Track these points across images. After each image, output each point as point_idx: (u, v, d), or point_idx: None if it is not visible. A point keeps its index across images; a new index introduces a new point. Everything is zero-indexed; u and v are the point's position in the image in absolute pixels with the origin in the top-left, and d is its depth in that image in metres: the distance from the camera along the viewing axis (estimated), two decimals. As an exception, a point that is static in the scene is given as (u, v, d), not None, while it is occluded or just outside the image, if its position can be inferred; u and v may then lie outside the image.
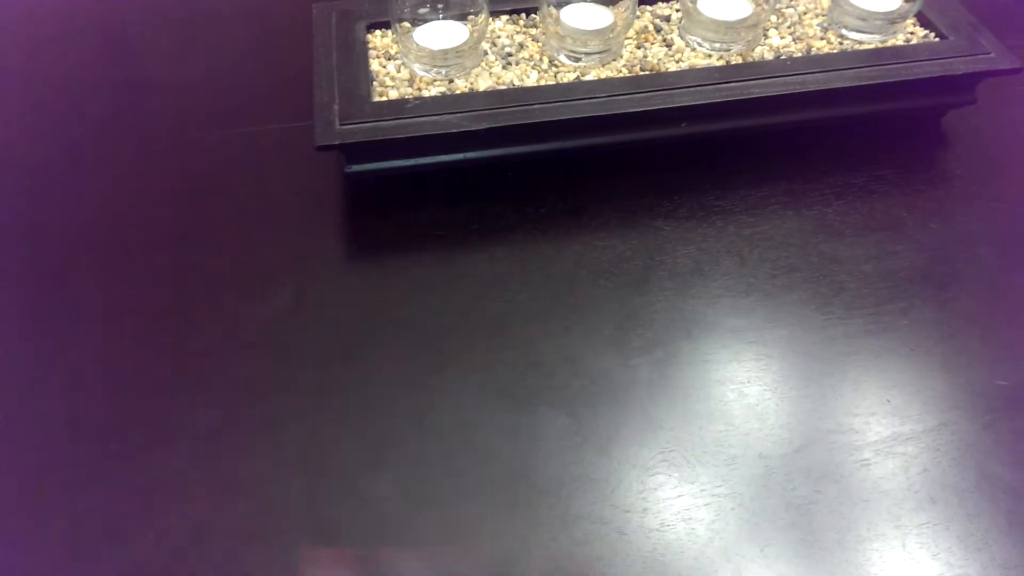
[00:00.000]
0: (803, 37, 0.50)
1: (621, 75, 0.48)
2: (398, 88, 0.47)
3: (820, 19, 0.52)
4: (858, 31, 0.50)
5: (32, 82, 0.56)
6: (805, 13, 0.52)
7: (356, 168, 0.46)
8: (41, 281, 0.44)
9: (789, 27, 0.51)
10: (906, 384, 0.39)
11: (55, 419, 0.38)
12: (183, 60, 0.58)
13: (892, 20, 0.49)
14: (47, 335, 0.41)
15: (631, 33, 0.51)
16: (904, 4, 0.49)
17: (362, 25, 0.51)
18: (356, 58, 0.48)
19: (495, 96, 0.46)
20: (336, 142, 0.44)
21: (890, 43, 0.50)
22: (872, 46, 0.49)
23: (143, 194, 0.49)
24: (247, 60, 0.58)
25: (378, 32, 0.51)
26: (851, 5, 0.49)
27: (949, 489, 0.35)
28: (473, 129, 0.44)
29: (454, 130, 0.44)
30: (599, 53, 0.49)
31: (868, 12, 0.49)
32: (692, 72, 0.47)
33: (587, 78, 0.48)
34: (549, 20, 0.49)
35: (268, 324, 0.42)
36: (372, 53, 0.50)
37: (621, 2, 0.48)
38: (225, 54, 0.58)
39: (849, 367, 0.40)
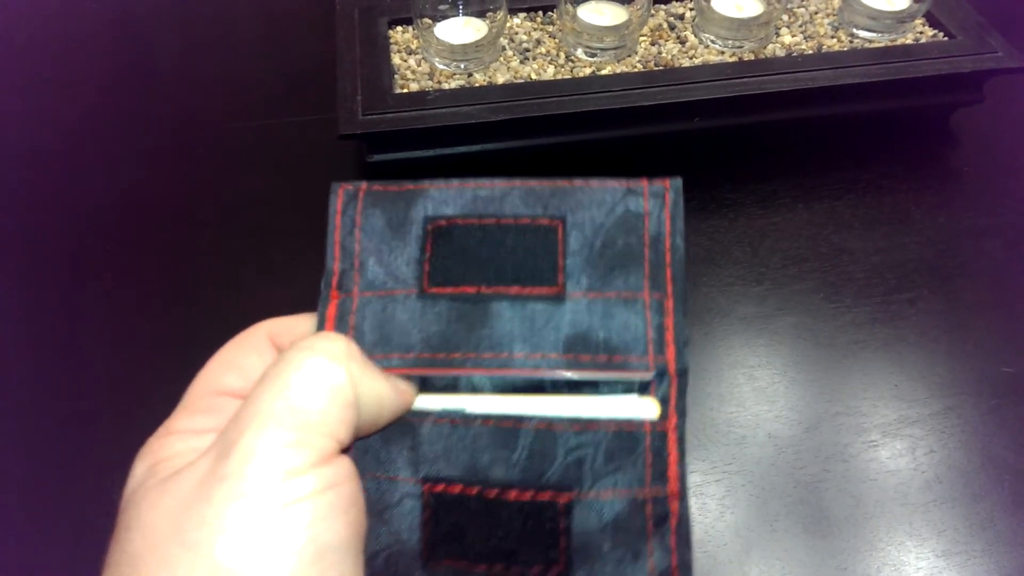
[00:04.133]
0: (814, 35, 0.52)
1: (636, 70, 0.49)
2: (419, 81, 0.49)
3: (831, 18, 0.53)
4: (868, 30, 0.51)
5: (49, 73, 0.58)
6: (816, 12, 0.53)
7: (378, 158, 0.47)
8: (58, 267, 0.45)
9: (800, 26, 0.52)
10: (913, 370, 0.40)
11: (73, 403, 0.39)
12: (205, 55, 0.59)
13: (901, 19, 0.50)
14: (64, 320, 0.43)
15: (646, 30, 0.52)
16: (913, 4, 0.51)
17: (384, 21, 0.52)
18: (378, 52, 0.50)
19: (513, 89, 0.47)
20: (359, 131, 0.45)
21: (899, 42, 0.51)
22: (882, 45, 0.51)
23: (169, 183, 0.50)
24: (270, 54, 0.59)
25: (399, 28, 0.53)
26: (861, 4, 0.50)
27: (955, 470, 0.36)
28: (491, 120, 0.45)
29: (472, 121, 0.45)
30: (614, 49, 0.50)
31: (878, 11, 0.50)
32: (705, 68, 0.49)
33: (602, 73, 0.49)
34: (566, 17, 0.50)
35: (290, 308, 0.43)
36: (394, 48, 0.51)
37: (636, 1, 0.50)
38: (248, 49, 0.60)
39: (857, 353, 0.41)
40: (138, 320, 0.43)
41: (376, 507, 0.23)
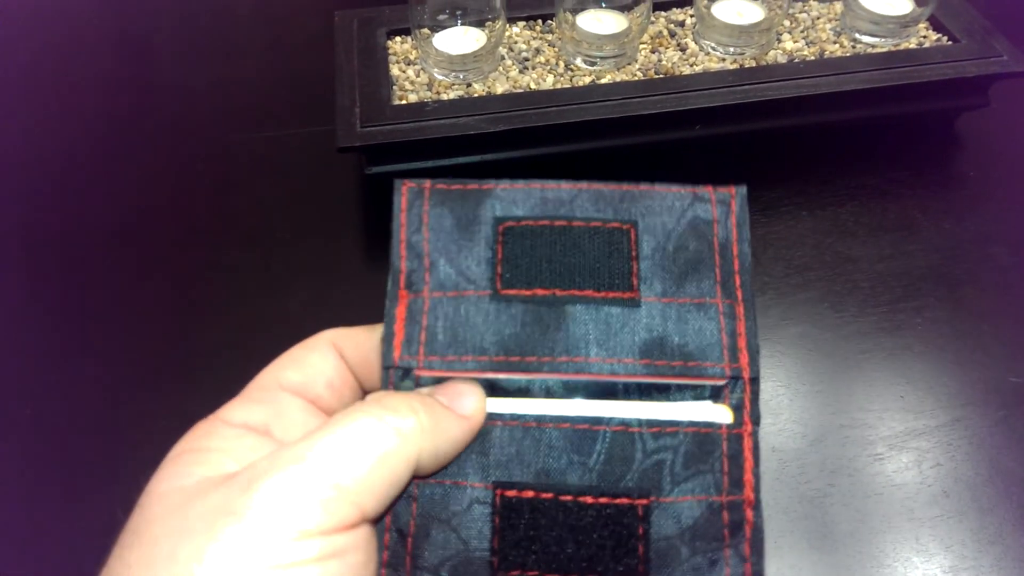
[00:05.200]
0: (816, 41, 0.51)
1: (636, 78, 0.49)
2: (417, 92, 0.48)
3: (833, 23, 0.52)
4: (871, 35, 0.51)
5: (51, 84, 0.58)
6: (818, 18, 0.53)
7: (377, 169, 0.47)
8: (60, 276, 0.45)
9: (802, 31, 0.52)
10: (919, 380, 0.40)
11: (76, 413, 0.39)
12: (205, 66, 0.59)
13: (904, 24, 0.50)
14: (70, 329, 0.43)
15: (646, 38, 0.52)
16: (916, 8, 0.50)
17: (383, 32, 0.52)
18: (377, 63, 0.49)
19: (512, 99, 0.47)
20: (357, 143, 0.45)
21: (903, 47, 0.50)
22: (885, 50, 0.50)
23: (163, 196, 0.50)
24: (269, 67, 0.59)
25: (398, 38, 0.52)
26: (864, 9, 0.50)
27: (962, 483, 0.36)
28: (490, 131, 0.45)
29: (471, 132, 0.45)
30: (614, 57, 0.50)
31: (880, 16, 0.50)
32: (706, 75, 0.48)
33: (602, 82, 0.49)
34: (565, 25, 0.50)
35: (289, 319, 0.43)
36: (392, 59, 0.51)
37: (636, 8, 0.49)
38: (247, 61, 0.60)
39: (863, 364, 0.40)
40: (136, 329, 0.42)
41: (442, 514, 0.22)
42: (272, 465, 0.20)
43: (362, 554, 0.20)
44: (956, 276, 0.44)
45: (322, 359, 0.24)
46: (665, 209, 0.26)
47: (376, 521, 0.22)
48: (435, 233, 0.25)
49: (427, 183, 0.26)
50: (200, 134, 0.54)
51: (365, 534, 0.20)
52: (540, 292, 0.24)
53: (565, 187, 0.26)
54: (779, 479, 0.36)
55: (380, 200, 0.49)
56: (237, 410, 0.23)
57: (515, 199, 0.26)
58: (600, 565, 0.22)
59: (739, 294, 0.25)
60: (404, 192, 0.26)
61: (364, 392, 0.26)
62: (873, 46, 0.50)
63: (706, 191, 0.26)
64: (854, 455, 0.37)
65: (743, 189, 0.26)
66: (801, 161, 0.50)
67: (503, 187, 0.26)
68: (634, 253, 0.25)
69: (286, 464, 0.20)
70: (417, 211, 0.26)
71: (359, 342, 0.25)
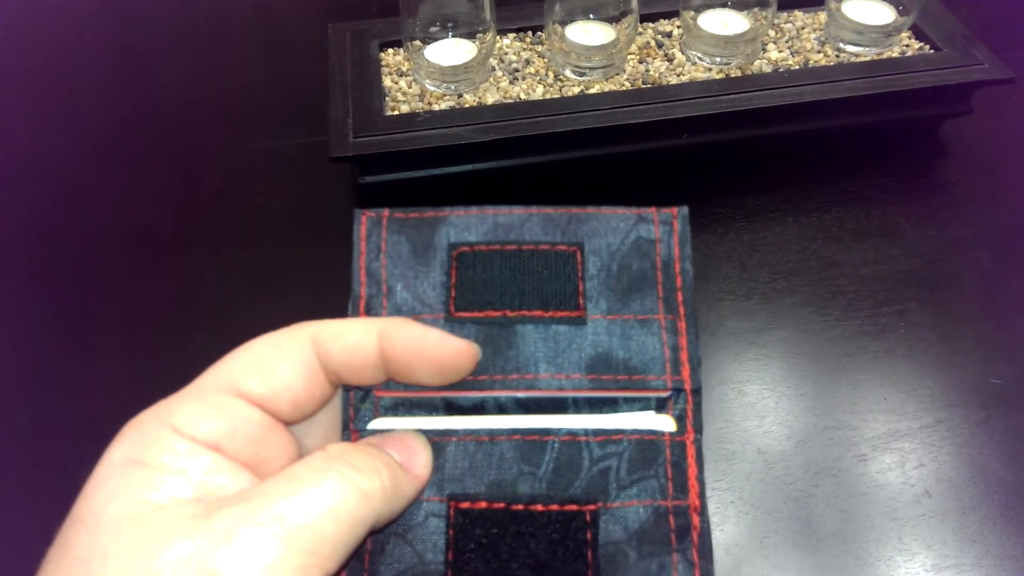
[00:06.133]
0: (801, 51, 0.52)
1: (624, 88, 0.50)
2: (409, 103, 0.49)
3: (817, 33, 0.53)
4: (854, 44, 0.51)
5: (51, 92, 0.59)
6: (803, 28, 0.54)
7: (369, 179, 0.48)
8: (60, 282, 0.46)
9: (787, 41, 0.53)
10: (903, 383, 0.40)
11: (71, 417, 0.40)
12: (199, 77, 0.60)
13: (887, 33, 0.51)
14: (66, 333, 0.43)
15: (633, 48, 0.53)
16: (899, 17, 0.51)
17: (375, 43, 0.53)
18: (369, 75, 0.50)
19: (502, 109, 0.48)
20: (350, 153, 0.46)
21: (886, 55, 0.51)
22: (868, 59, 0.51)
23: (160, 203, 0.51)
24: (264, 77, 0.60)
25: (391, 50, 0.53)
26: (847, 19, 0.51)
27: (944, 483, 0.36)
28: (480, 140, 0.46)
29: (462, 142, 0.46)
30: (603, 68, 0.50)
31: (864, 26, 0.51)
32: (692, 85, 0.49)
33: (591, 92, 0.50)
34: (554, 37, 0.51)
35: (281, 325, 0.43)
36: (385, 70, 0.52)
37: (623, 19, 0.50)
38: (242, 72, 0.61)
39: (847, 367, 0.41)
40: (132, 334, 0.43)
41: (399, 528, 0.23)
42: (247, 520, 0.19)
43: None
44: (938, 280, 0.45)
45: (293, 370, 0.23)
46: (610, 230, 0.27)
47: None
48: (392, 260, 0.26)
49: (385, 212, 0.27)
50: (195, 143, 0.55)
51: None
52: (491, 314, 0.25)
53: (516, 212, 0.27)
54: (764, 480, 0.37)
55: (372, 209, 0.50)
56: (189, 418, 0.21)
57: (468, 225, 0.27)
58: (551, 570, 0.22)
59: (681, 310, 0.26)
60: (363, 221, 0.27)
61: (337, 386, 0.25)
62: (857, 55, 0.51)
63: (649, 212, 0.27)
64: (838, 456, 0.37)
65: (685, 210, 0.27)
66: (787, 168, 0.51)
67: (457, 214, 0.27)
68: (580, 274, 0.26)
69: (264, 523, 0.19)
70: (376, 239, 0.27)
71: (346, 341, 0.24)
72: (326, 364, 0.24)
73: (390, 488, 0.22)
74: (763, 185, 0.50)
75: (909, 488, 0.36)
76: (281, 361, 0.23)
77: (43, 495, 0.37)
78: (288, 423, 0.24)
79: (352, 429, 0.25)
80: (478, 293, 0.26)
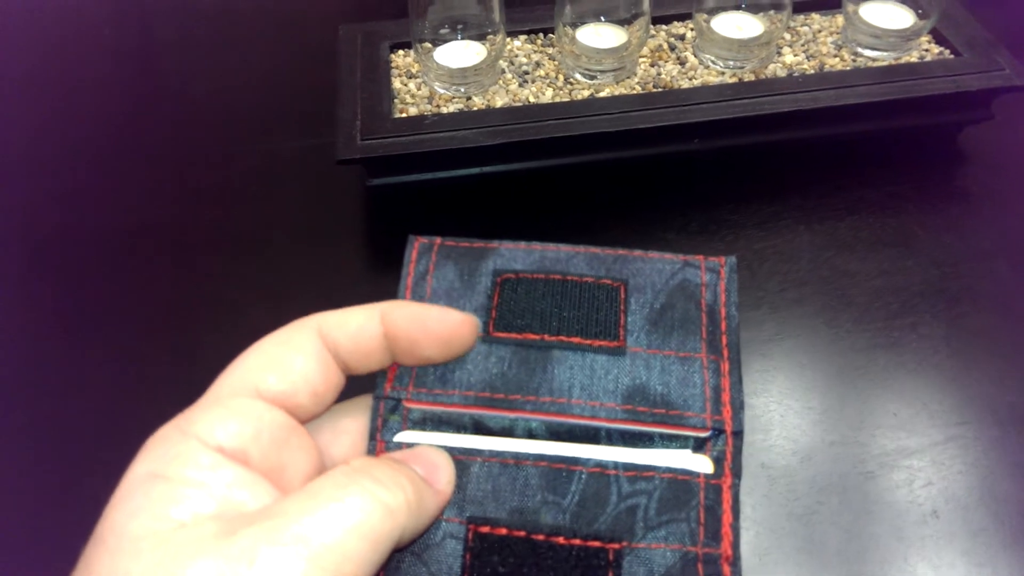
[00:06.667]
0: (816, 55, 0.51)
1: (634, 92, 0.49)
2: (418, 105, 0.49)
3: (834, 37, 0.52)
4: (872, 48, 0.50)
5: (53, 89, 0.59)
6: (820, 31, 0.53)
7: (377, 182, 0.48)
8: (65, 285, 0.46)
9: (803, 45, 0.52)
10: (913, 398, 0.39)
11: (76, 419, 0.40)
12: (209, 80, 0.60)
13: (906, 37, 0.50)
14: (71, 337, 0.44)
15: (646, 51, 0.52)
16: (918, 21, 0.50)
17: (386, 45, 0.53)
18: (379, 76, 0.50)
19: (510, 112, 0.47)
20: (357, 156, 0.45)
21: (904, 60, 0.50)
22: (886, 63, 0.50)
23: (165, 204, 0.51)
24: (273, 78, 0.60)
25: (401, 52, 0.53)
26: (864, 23, 0.50)
27: (953, 503, 0.36)
28: (488, 144, 0.45)
29: (470, 145, 0.45)
30: (613, 71, 0.50)
31: (882, 30, 0.49)
32: (704, 89, 0.48)
33: (601, 95, 0.49)
34: (565, 39, 0.50)
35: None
36: (395, 72, 0.51)
37: (635, 22, 0.50)
38: (251, 73, 0.61)
39: (856, 380, 0.40)
40: (136, 337, 0.43)
41: (415, 547, 0.23)
42: (270, 540, 0.19)
43: None
44: (954, 292, 0.44)
45: (306, 362, 0.23)
46: (655, 271, 0.27)
47: None
48: (438, 282, 0.27)
49: (438, 240, 0.28)
50: (203, 144, 0.55)
51: None
52: (530, 336, 0.25)
53: (564, 249, 0.28)
54: (767, 496, 0.36)
55: (381, 211, 0.50)
56: (212, 425, 0.21)
57: (516, 257, 0.28)
58: None
59: (725, 352, 0.25)
60: (416, 246, 0.28)
61: (347, 375, 0.25)
62: (874, 60, 0.50)
63: (696, 259, 0.28)
64: (844, 472, 0.37)
65: (733, 260, 0.28)
66: (800, 175, 0.50)
67: (507, 247, 0.28)
68: (622, 307, 0.26)
69: (287, 543, 0.19)
70: (425, 263, 0.28)
71: (350, 327, 0.24)
72: (335, 353, 0.24)
73: (415, 503, 0.21)
74: (776, 192, 0.49)
75: (916, 507, 0.35)
76: (294, 355, 0.23)
77: (42, 499, 0.37)
78: (308, 419, 0.24)
79: (379, 440, 0.25)
80: (518, 316, 0.26)
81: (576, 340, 0.25)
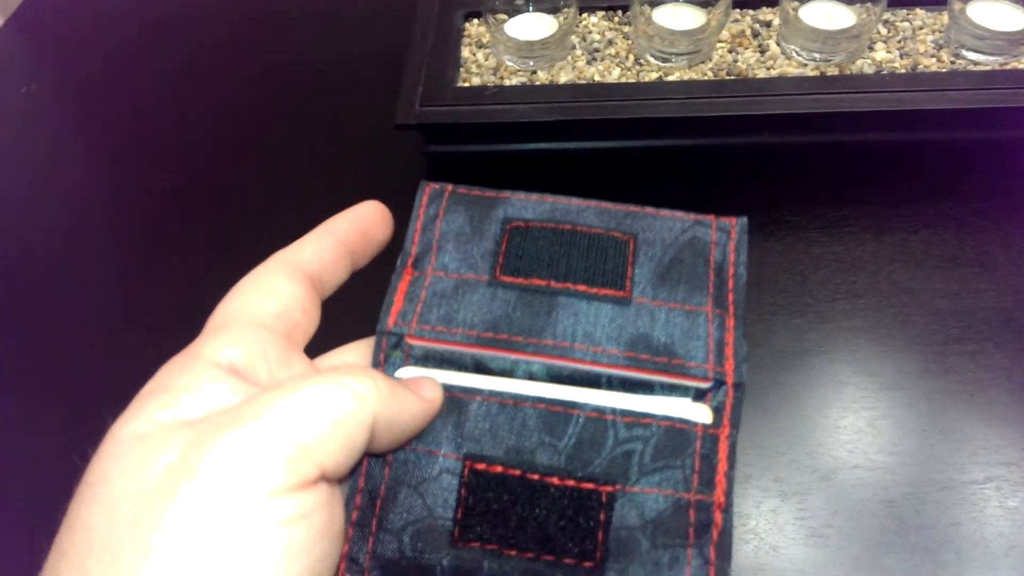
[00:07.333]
0: (912, 53, 0.47)
1: (705, 78, 0.47)
2: (483, 76, 0.49)
3: (936, 35, 0.48)
4: (976, 51, 0.46)
5: (114, 67, 0.62)
6: (920, 27, 0.49)
7: (434, 148, 0.48)
8: (71, 273, 0.49)
9: (899, 41, 0.48)
10: (956, 431, 0.37)
11: (77, 418, 0.43)
12: (283, 41, 0.62)
13: (1016, 41, 0.45)
14: (78, 330, 0.46)
15: (726, 35, 0.50)
16: (1033, 24, 0.45)
17: (461, 13, 0.52)
18: (449, 44, 0.50)
19: (571, 90, 0.46)
20: (414, 122, 0.46)
21: (1010, 66, 0.46)
22: (988, 68, 0.46)
23: (229, 160, 0.53)
24: (353, 40, 0.61)
25: (476, 20, 0.53)
26: (969, 22, 0.46)
27: (978, 548, 0.33)
28: (543, 120, 0.45)
29: (525, 120, 0.45)
30: (688, 54, 0.48)
31: (987, 31, 0.45)
32: (780, 80, 0.46)
33: (669, 79, 0.47)
34: (641, 19, 0.48)
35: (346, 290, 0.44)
36: (466, 41, 0.51)
37: (717, 5, 0.47)
38: (327, 36, 0.62)
39: (895, 404, 0.38)
40: (207, 277, 0.46)
41: (412, 479, 0.23)
42: (230, 421, 0.19)
43: (324, 516, 0.20)
44: (1026, 323, 0.40)
45: (289, 284, 0.24)
46: (666, 228, 0.27)
47: (339, 482, 0.22)
48: (448, 225, 0.27)
49: (449, 186, 0.29)
50: (266, 101, 0.57)
51: (326, 495, 0.20)
52: (536, 282, 0.26)
53: (575, 202, 0.28)
54: (775, 511, 0.35)
55: (436, 177, 0.50)
56: (217, 346, 0.22)
57: (526, 206, 0.28)
58: (558, 546, 0.22)
59: (731, 309, 0.25)
60: (427, 191, 0.29)
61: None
62: (976, 63, 0.46)
63: (708, 219, 0.28)
64: (863, 498, 0.35)
65: (744, 221, 0.27)
66: (875, 180, 0.47)
67: (518, 197, 0.28)
68: (631, 259, 0.26)
69: (244, 420, 0.19)
70: (435, 207, 0.28)
71: (313, 248, 0.26)
72: (306, 273, 0.25)
73: (385, 391, 0.22)
74: (847, 196, 0.46)
75: (935, 548, 0.33)
76: (275, 281, 0.24)
77: (42, 496, 0.40)
78: (304, 340, 0.25)
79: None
80: (525, 262, 0.26)
81: (582, 288, 0.25)
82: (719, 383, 0.24)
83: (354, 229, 0.27)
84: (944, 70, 0.46)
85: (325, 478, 0.20)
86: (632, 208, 0.28)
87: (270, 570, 0.18)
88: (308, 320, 0.25)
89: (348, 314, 0.27)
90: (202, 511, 0.18)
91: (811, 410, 0.38)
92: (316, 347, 0.25)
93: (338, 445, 0.20)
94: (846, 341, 0.40)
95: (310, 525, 0.19)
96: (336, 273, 0.26)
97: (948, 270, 0.43)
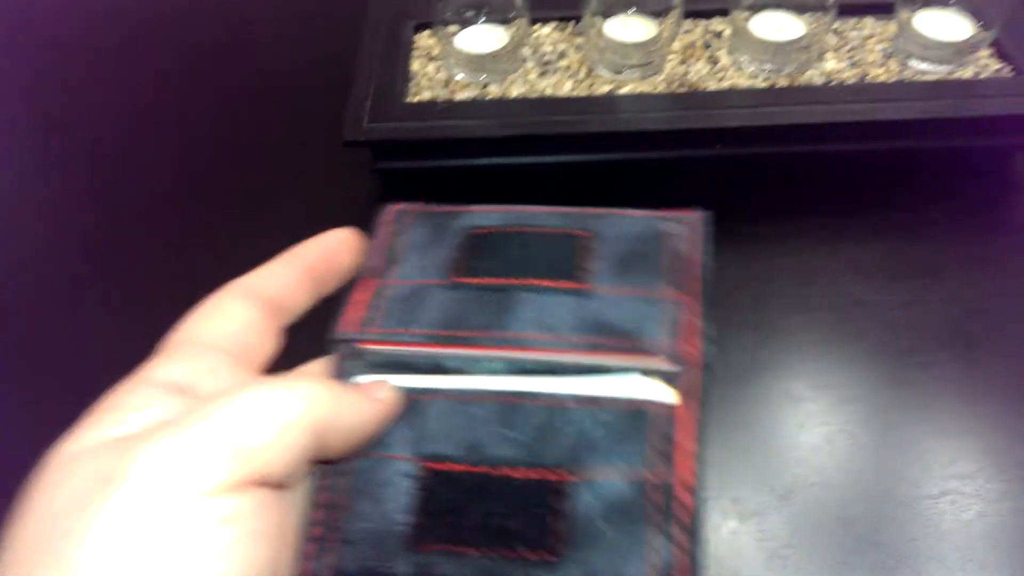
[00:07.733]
0: (861, 63, 0.47)
1: (658, 91, 0.47)
2: (433, 90, 0.48)
3: (885, 45, 0.48)
4: (923, 60, 0.47)
5: (96, 66, 0.60)
6: (870, 37, 0.49)
7: (383, 165, 0.47)
8: (70, 271, 0.47)
9: (849, 51, 0.48)
10: (911, 444, 0.37)
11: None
12: (231, 56, 0.60)
13: (962, 50, 0.46)
14: (78, 326, 0.45)
15: (677, 47, 0.49)
16: (978, 33, 0.46)
17: (411, 25, 0.51)
18: (398, 58, 0.49)
19: (523, 104, 0.46)
20: (362, 139, 0.45)
21: (957, 75, 0.46)
22: (935, 78, 0.46)
23: (182, 165, 0.51)
24: (300, 55, 0.60)
25: (426, 32, 0.52)
26: (916, 32, 0.46)
27: (934, 563, 0.33)
28: (494, 136, 0.44)
29: (476, 135, 0.44)
30: (640, 66, 0.48)
31: (935, 41, 0.46)
32: (731, 93, 0.46)
33: (621, 92, 0.47)
34: (592, 30, 0.48)
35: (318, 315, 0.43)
36: (416, 53, 0.50)
37: (668, 15, 0.47)
38: (277, 50, 0.61)
39: (850, 418, 0.38)
40: (137, 316, 0.44)
41: (370, 487, 0.23)
42: (165, 428, 0.19)
43: (264, 520, 0.20)
44: (977, 334, 0.40)
45: (244, 308, 0.24)
46: (627, 224, 0.28)
47: (290, 488, 0.22)
48: (411, 238, 0.28)
49: (414, 207, 0.29)
50: (212, 121, 0.55)
51: (268, 499, 0.20)
52: (494, 281, 0.26)
53: (538, 209, 0.28)
54: (735, 533, 0.34)
55: (385, 195, 0.49)
56: (161, 368, 0.22)
57: (488, 216, 0.28)
58: (519, 539, 0.21)
59: (697, 295, 0.26)
60: (391, 212, 0.29)
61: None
62: (924, 73, 0.46)
63: (669, 214, 0.28)
64: (820, 518, 0.34)
65: (706, 215, 0.28)
66: (828, 191, 0.47)
67: (481, 210, 0.28)
68: (591, 254, 0.26)
69: (180, 427, 0.19)
70: (400, 224, 0.29)
71: (277, 277, 0.26)
72: (263, 301, 0.25)
73: (330, 395, 0.22)
74: (796, 208, 0.46)
75: (893, 564, 0.33)
76: (228, 306, 0.24)
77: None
78: (257, 364, 0.24)
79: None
80: (482, 264, 0.26)
81: (542, 283, 0.25)
82: (681, 362, 0.23)
83: (320, 256, 0.27)
84: (893, 80, 0.46)
85: (266, 482, 0.20)
86: (594, 210, 0.28)
87: (202, 570, 0.18)
88: (264, 343, 0.24)
89: (320, 339, 0.26)
90: (132, 513, 0.18)
91: (767, 427, 0.38)
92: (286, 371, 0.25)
93: (279, 449, 0.20)
94: (797, 356, 0.40)
95: (246, 527, 0.19)
96: (298, 299, 0.26)
97: (899, 282, 0.43)
